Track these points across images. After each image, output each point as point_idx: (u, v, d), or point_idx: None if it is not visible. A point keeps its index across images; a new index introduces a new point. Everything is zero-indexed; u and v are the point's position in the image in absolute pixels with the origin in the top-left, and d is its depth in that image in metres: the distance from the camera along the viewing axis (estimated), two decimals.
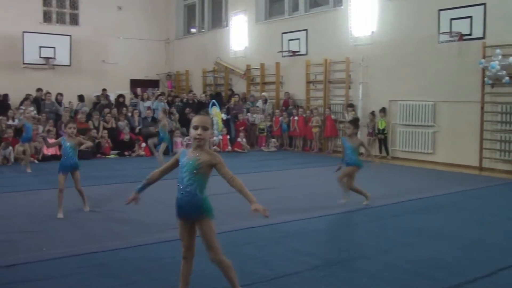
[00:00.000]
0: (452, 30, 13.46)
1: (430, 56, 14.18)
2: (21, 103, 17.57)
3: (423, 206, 8.85)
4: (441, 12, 13.73)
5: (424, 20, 14.30)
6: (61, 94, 18.60)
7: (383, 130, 15.36)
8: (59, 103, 18.35)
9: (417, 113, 14.68)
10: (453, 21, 13.47)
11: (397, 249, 6.26)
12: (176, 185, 4.29)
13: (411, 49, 14.62)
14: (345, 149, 8.90)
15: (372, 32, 15.75)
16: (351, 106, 16.24)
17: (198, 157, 4.23)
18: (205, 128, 4.25)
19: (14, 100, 18.23)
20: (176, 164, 4.38)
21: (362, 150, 9.24)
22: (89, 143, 8.77)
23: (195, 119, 4.29)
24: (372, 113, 15.66)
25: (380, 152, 15.55)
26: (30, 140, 13.60)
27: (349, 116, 16.17)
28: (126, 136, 16.36)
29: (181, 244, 4.43)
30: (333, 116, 17.00)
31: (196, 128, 4.24)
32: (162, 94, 20.68)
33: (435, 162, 14.11)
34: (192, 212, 4.26)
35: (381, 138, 15.45)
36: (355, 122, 8.99)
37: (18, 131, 15.21)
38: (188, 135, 16.51)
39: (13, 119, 15.84)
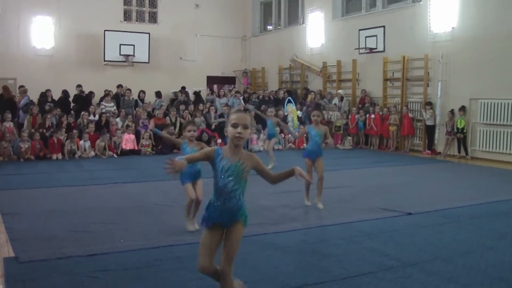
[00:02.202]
0: None
1: None
2: (102, 99, 18.16)
3: (506, 208, 8.49)
4: None
5: (510, 14, 13.73)
6: (143, 92, 19.08)
7: (462, 129, 14.88)
8: (142, 100, 18.83)
9: (499, 111, 14.11)
10: None
11: (477, 252, 6.04)
12: (216, 189, 3.98)
13: (494, 45, 14.07)
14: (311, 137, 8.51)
15: (453, 28, 15.27)
16: (429, 104, 15.85)
17: (240, 160, 3.93)
18: (245, 127, 3.86)
19: (95, 96, 18.85)
20: (205, 158, 4.00)
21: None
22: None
23: (234, 116, 3.90)
24: (451, 112, 15.20)
25: (459, 151, 15.09)
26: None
27: (426, 115, 15.83)
28: (204, 135, 16.52)
29: (199, 262, 4.00)
30: (410, 115, 16.62)
31: (235, 126, 3.85)
32: (238, 92, 20.81)
33: None
34: (232, 217, 3.97)
35: (460, 137, 14.98)
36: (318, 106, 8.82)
37: (98, 126, 15.76)
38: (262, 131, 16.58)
39: (94, 115, 16.41)
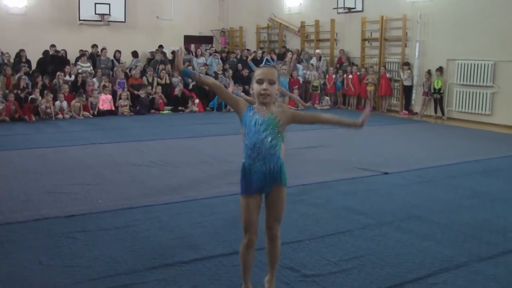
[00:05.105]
0: None
1: (493, 13, 13.58)
2: (77, 59, 17.88)
3: (480, 168, 8.64)
4: None
5: None
6: (119, 51, 18.79)
7: (439, 89, 14.97)
8: (117, 60, 18.58)
9: (476, 73, 14.18)
10: None
11: (451, 211, 6.17)
12: (251, 148, 3.58)
13: (473, 6, 14.04)
14: None
15: None
16: (407, 64, 15.89)
17: (274, 114, 3.57)
18: (271, 82, 3.51)
19: (71, 56, 18.54)
20: (234, 103, 3.67)
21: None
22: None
23: (259, 72, 3.57)
24: (428, 72, 15.27)
25: (435, 112, 15.21)
26: None
27: (404, 75, 15.88)
28: (177, 92, 16.48)
29: (245, 233, 3.67)
30: (388, 75, 16.67)
31: (260, 82, 3.52)
32: (216, 52, 20.58)
33: (493, 124, 13.69)
34: (274, 180, 3.62)
35: (437, 97, 15.08)
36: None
37: (75, 86, 15.56)
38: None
39: (70, 75, 16.16)
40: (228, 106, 15.46)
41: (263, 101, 3.55)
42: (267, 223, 3.73)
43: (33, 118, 13.69)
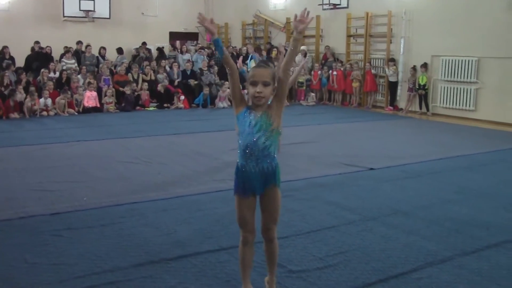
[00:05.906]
0: None
1: (477, 10, 13.67)
2: (62, 56, 17.76)
3: (465, 163, 8.71)
4: None
5: None
6: (104, 48, 18.68)
7: (424, 85, 15.05)
8: (102, 56, 18.47)
9: (460, 68, 14.29)
10: None
11: (436, 206, 6.21)
12: (244, 149, 3.52)
13: (457, 3, 14.14)
14: None
15: None
16: (392, 60, 15.96)
17: (266, 111, 3.47)
18: (265, 84, 3.38)
19: (55, 53, 18.40)
20: (237, 95, 3.53)
21: None
22: None
23: (252, 73, 3.44)
24: (413, 68, 15.36)
25: (420, 108, 15.30)
26: None
27: (389, 71, 15.95)
28: (159, 88, 16.42)
29: (241, 230, 3.71)
30: (373, 71, 16.74)
31: (254, 84, 3.40)
32: (202, 48, 20.55)
33: (477, 119, 13.80)
34: (268, 181, 3.58)
35: (422, 93, 15.17)
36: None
37: (59, 83, 15.45)
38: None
39: (54, 72, 16.05)
40: (214, 103, 15.51)
41: (257, 103, 3.45)
42: (264, 225, 3.72)
43: (7, 115, 13.60)
